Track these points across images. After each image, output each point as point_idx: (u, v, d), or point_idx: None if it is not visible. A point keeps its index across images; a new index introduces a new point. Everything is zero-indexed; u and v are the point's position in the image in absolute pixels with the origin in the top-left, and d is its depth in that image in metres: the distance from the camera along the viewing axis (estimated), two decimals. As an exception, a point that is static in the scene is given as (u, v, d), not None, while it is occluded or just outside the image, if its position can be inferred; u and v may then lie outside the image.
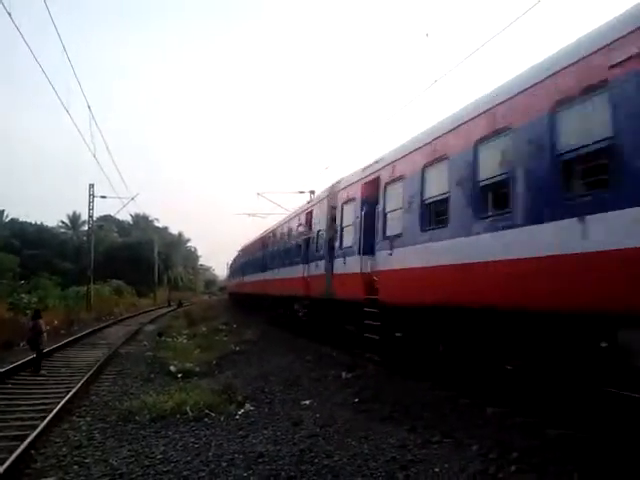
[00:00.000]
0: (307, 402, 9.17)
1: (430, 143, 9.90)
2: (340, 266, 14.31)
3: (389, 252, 11.19)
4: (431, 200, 9.74)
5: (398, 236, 10.88)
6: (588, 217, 6.06)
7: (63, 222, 78.65)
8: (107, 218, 72.79)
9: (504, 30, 11.46)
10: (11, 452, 6.70)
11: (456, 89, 31.43)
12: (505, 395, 8.20)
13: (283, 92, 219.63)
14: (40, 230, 70.69)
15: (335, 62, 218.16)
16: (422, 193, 9.95)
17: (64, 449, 7.30)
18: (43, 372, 13.32)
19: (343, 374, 11.28)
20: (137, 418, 8.64)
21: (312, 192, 31.23)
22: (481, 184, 8.18)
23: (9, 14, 12.74)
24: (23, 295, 29.71)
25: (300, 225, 19.59)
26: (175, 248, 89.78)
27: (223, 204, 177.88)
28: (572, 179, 6.64)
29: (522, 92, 7.48)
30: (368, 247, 12.40)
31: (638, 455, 5.59)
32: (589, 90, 6.24)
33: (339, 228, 14.75)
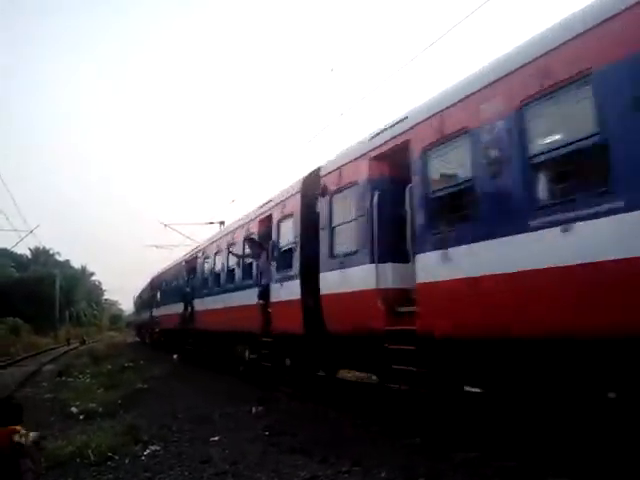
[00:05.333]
0: (217, 438, 8.94)
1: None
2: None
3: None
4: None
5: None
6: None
7: (-49, 257, 73.29)
8: (1, 253, 68.61)
9: (405, 66, 12.13)
10: None
11: (361, 120, 32.34)
12: (414, 421, 8.38)
13: (190, 124, 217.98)
14: None
15: (242, 94, 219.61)
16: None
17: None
18: None
19: (254, 409, 11.13)
20: (32, 467, 8.05)
21: (222, 223, 30.89)
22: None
23: None
24: None
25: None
26: (78, 282, 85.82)
27: (128, 236, 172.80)
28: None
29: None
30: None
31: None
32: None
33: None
